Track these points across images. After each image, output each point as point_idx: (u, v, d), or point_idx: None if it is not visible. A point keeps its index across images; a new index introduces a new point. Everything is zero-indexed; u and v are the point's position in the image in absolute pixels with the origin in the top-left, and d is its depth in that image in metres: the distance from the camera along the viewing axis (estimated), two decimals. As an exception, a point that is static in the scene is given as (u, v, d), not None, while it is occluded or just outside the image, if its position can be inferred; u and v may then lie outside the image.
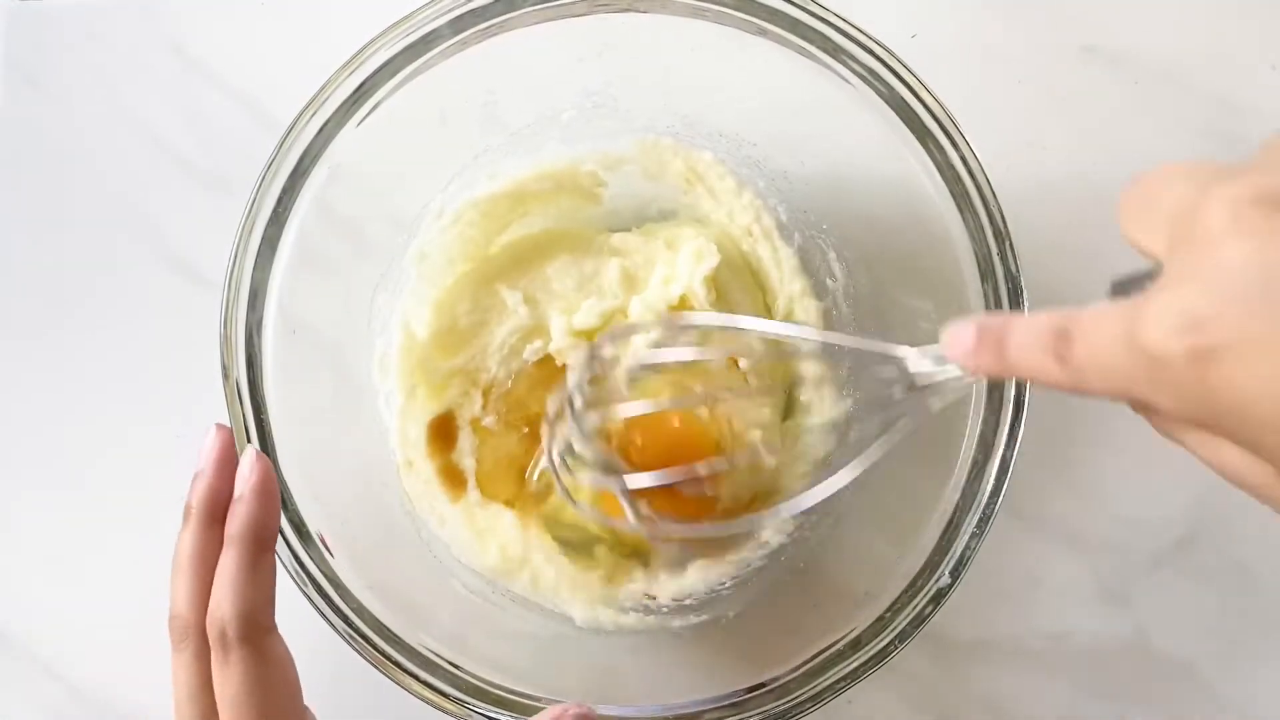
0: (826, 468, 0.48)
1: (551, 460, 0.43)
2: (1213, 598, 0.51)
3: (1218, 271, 0.22)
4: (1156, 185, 0.25)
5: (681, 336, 0.44)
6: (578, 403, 0.41)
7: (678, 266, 0.49)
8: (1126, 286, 0.27)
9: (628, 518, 0.41)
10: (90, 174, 0.55)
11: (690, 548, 0.47)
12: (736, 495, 0.47)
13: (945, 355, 0.31)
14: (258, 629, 0.37)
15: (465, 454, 0.49)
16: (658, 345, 0.44)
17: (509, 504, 0.48)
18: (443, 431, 0.49)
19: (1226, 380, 0.22)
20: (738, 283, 0.50)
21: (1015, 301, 0.42)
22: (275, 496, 0.39)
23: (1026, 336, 0.28)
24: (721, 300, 0.49)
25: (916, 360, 0.33)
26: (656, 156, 0.49)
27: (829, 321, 0.49)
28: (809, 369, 0.48)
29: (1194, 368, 0.22)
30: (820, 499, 0.37)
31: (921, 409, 0.33)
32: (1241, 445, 0.23)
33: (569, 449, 0.42)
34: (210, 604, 0.37)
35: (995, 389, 0.42)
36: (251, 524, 0.38)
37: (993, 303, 0.42)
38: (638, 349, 0.45)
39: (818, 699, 0.42)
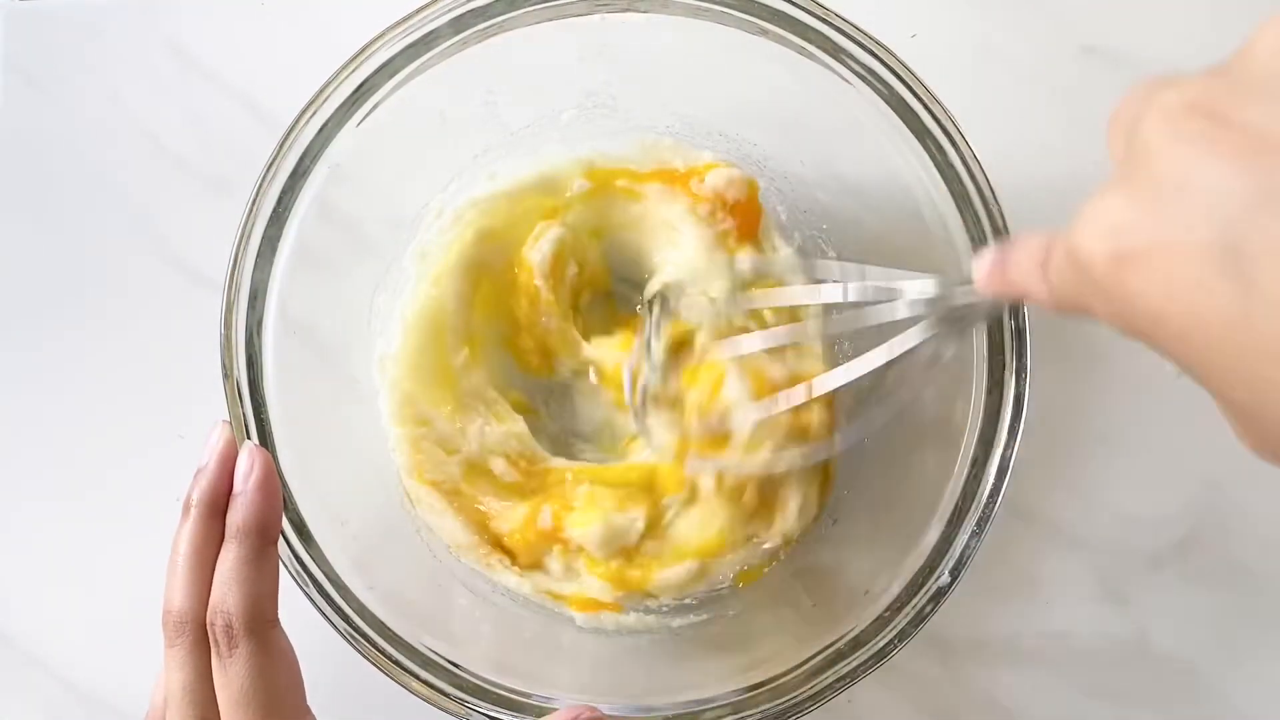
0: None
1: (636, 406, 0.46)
2: (1213, 598, 0.51)
3: (1143, 177, 0.22)
4: (1125, 101, 0.25)
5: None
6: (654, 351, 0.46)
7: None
8: None
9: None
10: (90, 174, 0.55)
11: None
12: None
13: (973, 277, 0.33)
14: (263, 621, 0.37)
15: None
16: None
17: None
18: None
19: (1140, 286, 0.21)
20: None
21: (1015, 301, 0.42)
22: (277, 490, 0.39)
23: (1023, 255, 0.29)
24: None
25: (941, 288, 0.35)
26: (656, 156, 0.49)
27: (829, 321, 0.49)
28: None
29: (1114, 273, 0.22)
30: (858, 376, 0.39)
31: (947, 337, 0.36)
32: (1166, 357, 0.22)
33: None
34: (212, 598, 0.37)
35: (995, 387, 0.42)
36: (255, 517, 0.38)
37: (993, 302, 0.42)
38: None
39: (817, 698, 0.42)
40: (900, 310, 0.37)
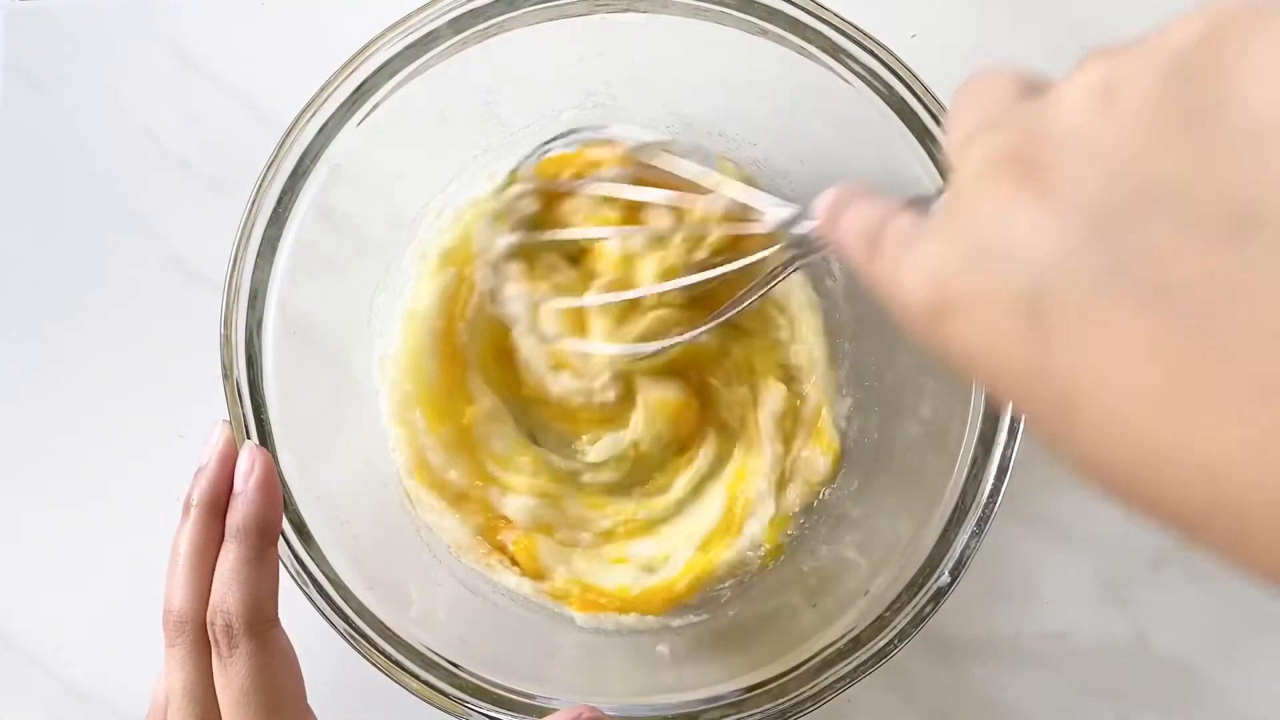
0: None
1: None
2: (1213, 598, 0.51)
3: (961, 223, 0.22)
4: (972, 91, 0.25)
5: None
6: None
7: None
8: (917, 204, 0.28)
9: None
10: (90, 174, 0.55)
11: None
12: None
13: (811, 209, 0.33)
14: (263, 621, 0.37)
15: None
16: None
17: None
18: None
19: (953, 331, 0.22)
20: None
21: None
22: (277, 490, 0.39)
23: (856, 219, 0.29)
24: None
25: (787, 213, 0.38)
26: (656, 156, 0.49)
27: (829, 321, 0.49)
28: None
29: (932, 320, 0.23)
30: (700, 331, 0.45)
31: (799, 258, 0.39)
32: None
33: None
34: (213, 598, 0.37)
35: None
36: (255, 517, 0.38)
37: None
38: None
39: (817, 698, 0.42)
40: (759, 227, 0.41)
